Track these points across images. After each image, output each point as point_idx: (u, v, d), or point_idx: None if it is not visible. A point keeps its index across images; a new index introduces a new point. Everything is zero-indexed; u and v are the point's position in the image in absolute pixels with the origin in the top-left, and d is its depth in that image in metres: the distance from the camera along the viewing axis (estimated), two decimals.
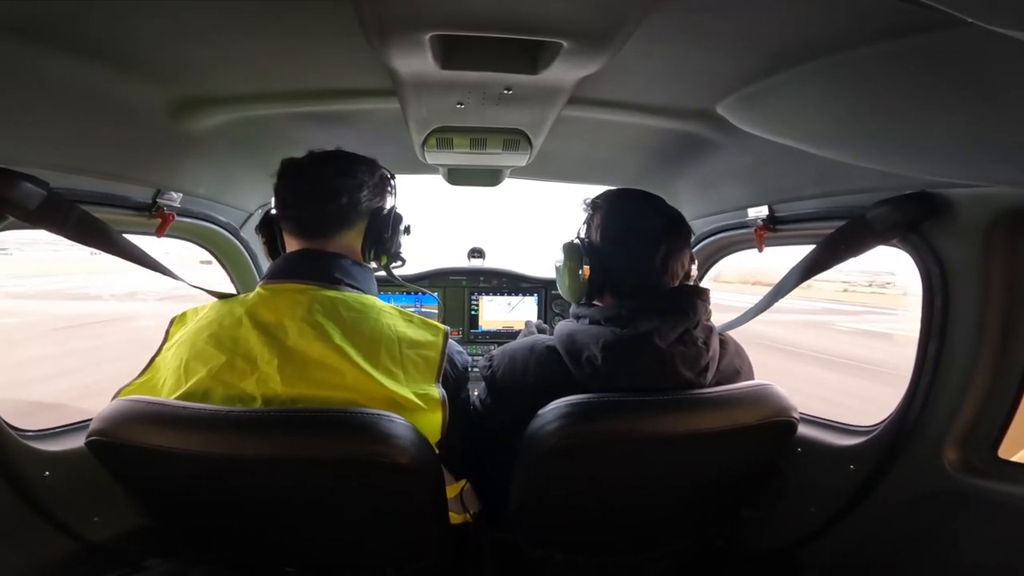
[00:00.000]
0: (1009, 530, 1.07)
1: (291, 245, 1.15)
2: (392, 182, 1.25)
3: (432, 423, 0.97)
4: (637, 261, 1.16)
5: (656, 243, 1.15)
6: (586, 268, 1.17)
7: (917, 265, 1.20)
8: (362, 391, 0.94)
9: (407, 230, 1.26)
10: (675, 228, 1.18)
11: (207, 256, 1.99)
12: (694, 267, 1.27)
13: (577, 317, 1.19)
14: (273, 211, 1.21)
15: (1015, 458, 1.14)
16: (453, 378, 1.11)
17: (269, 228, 1.23)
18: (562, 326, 1.19)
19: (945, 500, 1.16)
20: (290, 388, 0.93)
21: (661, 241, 1.15)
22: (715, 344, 1.14)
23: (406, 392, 0.96)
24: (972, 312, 1.10)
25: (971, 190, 1.06)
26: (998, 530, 1.09)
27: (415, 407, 0.95)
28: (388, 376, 0.97)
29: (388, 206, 1.23)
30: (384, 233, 1.18)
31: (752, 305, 1.50)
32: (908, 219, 1.15)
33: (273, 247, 1.23)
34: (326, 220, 1.13)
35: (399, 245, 1.25)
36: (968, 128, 0.80)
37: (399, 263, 1.27)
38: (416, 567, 1.11)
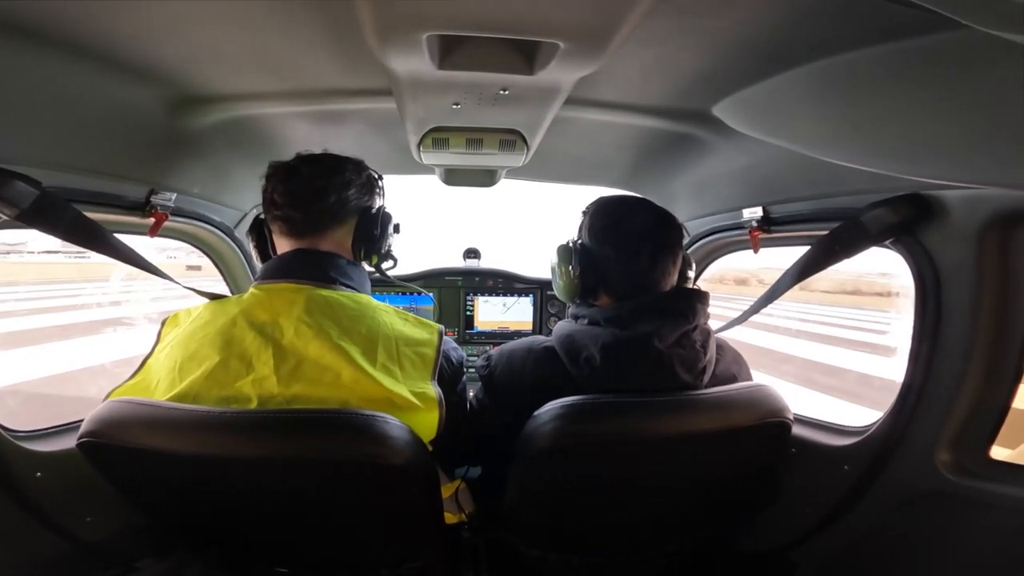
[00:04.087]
0: (1001, 530, 1.07)
1: (282, 245, 1.15)
2: (380, 182, 1.25)
3: (428, 422, 0.97)
4: (625, 258, 1.16)
5: (642, 240, 1.15)
6: (577, 268, 1.17)
7: (910, 266, 1.21)
8: (358, 390, 0.94)
9: (397, 228, 1.26)
10: (663, 226, 1.18)
11: (194, 262, 1.97)
12: (691, 270, 1.27)
13: (576, 317, 1.19)
14: (262, 215, 1.20)
15: (1007, 458, 1.15)
16: (449, 374, 1.12)
17: (259, 230, 1.23)
18: (561, 327, 1.19)
19: (938, 500, 1.17)
20: (286, 388, 0.93)
21: (647, 238, 1.15)
22: (712, 347, 1.14)
23: (403, 391, 0.96)
24: (964, 313, 1.11)
25: (964, 192, 1.07)
26: (990, 530, 1.09)
27: (412, 406, 0.95)
28: (386, 374, 0.97)
29: (377, 205, 1.23)
30: (373, 231, 1.18)
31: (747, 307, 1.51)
32: (902, 221, 1.16)
33: (264, 249, 1.23)
34: (315, 218, 1.13)
35: (389, 244, 1.25)
36: (961, 130, 0.81)
37: (391, 263, 1.27)
38: (411, 567, 1.11)
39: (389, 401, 0.94)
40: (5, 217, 1.04)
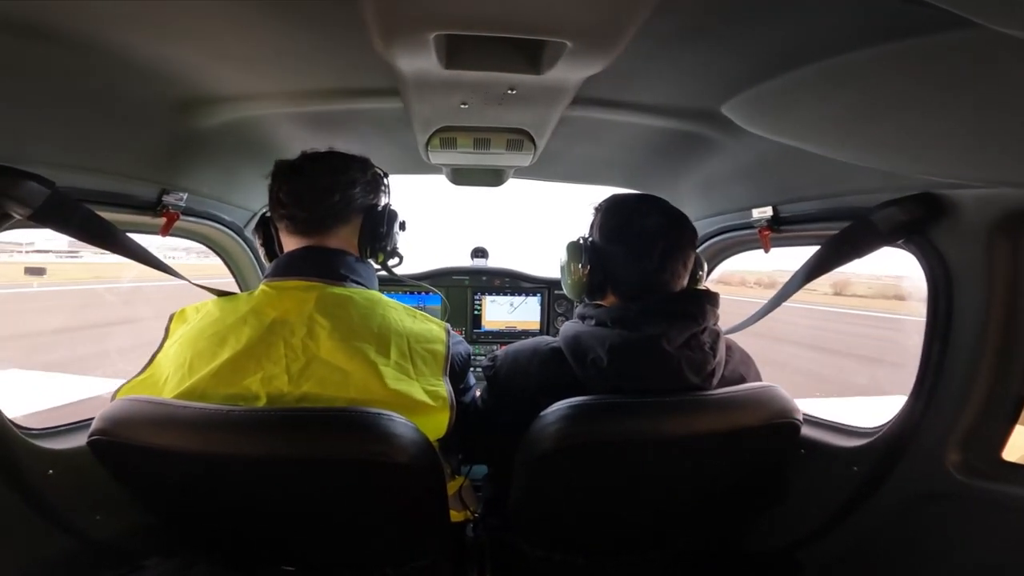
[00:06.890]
0: (1012, 532, 1.06)
1: (289, 244, 1.16)
2: (385, 180, 1.26)
3: (439, 422, 0.98)
4: (634, 259, 1.14)
5: (652, 241, 1.14)
6: (586, 266, 1.17)
7: (922, 266, 1.19)
8: (370, 389, 0.94)
9: (402, 226, 1.27)
10: (675, 227, 1.17)
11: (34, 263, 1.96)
12: (702, 271, 1.26)
13: (583, 318, 1.18)
14: (268, 213, 1.21)
15: (1017, 459, 1.14)
16: (459, 367, 1.13)
17: (265, 228, 1.24)
18: (567, 327, 1.18)
19: (948, 502, 1.16)
20: (296, 387, 0.94)
21: (658, 239, 1.14)
22: (722, 349, 1.13)
23: (416, 389, 0.96)
24: (976, 313, 1.10)
25: (975, 191, 1.05)
26: (1001, 532, 1.08)
27: (425, 406, 0.96)
28: (400, 371, 0.97)
29: (382, 203, 1.24)
30: (379, 228, 1.19)
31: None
32: (912, 220, 1.14)
33: (271, 248, 1.24)
34: (321, 217, 1.13)
35: (395, 241, 1.26)
36: (972, 128, 0.80)
37: (397, 260, 1.27)
38: (416, 566, 1.11)
39: (400, 401, 0.94)
40: (18, 216, 1.06)
